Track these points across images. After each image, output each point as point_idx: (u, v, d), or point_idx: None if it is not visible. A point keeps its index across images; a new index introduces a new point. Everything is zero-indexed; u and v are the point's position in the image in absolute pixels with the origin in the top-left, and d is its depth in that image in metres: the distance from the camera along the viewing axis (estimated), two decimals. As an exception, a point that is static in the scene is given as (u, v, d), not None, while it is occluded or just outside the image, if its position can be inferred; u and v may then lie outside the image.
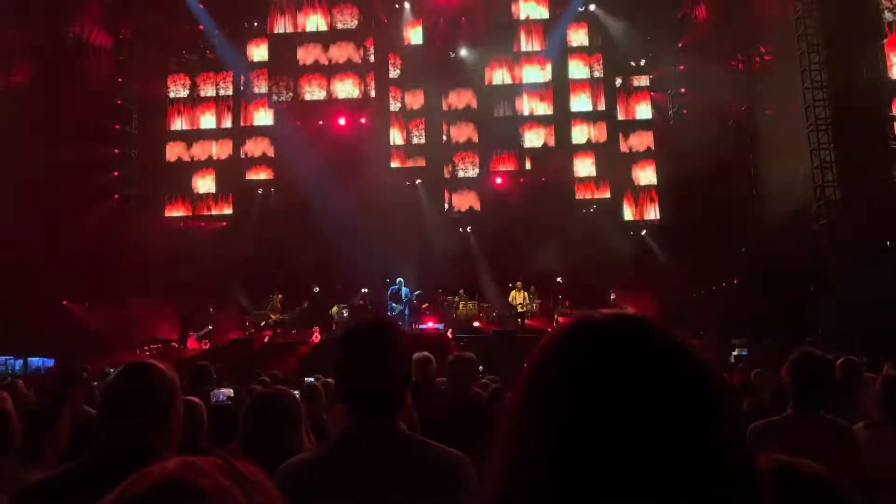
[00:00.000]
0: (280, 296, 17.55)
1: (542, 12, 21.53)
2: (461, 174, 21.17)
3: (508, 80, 21.38)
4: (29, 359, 15.54)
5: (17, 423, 2.53)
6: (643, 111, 21.29)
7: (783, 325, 14.43)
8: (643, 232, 20.36)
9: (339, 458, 1.75)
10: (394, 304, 16.83)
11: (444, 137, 21.27)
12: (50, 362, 14.98)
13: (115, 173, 20.44)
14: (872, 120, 15.47)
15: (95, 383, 6.58)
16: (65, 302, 17.48)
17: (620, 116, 21.28)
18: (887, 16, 16.28)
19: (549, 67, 21.31)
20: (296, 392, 3.18)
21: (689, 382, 0.69)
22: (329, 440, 1.82)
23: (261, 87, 21.59)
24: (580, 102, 21.24)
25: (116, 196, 20.24)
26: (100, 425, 1.85)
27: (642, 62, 21.02)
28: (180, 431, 1.90)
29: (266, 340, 16.45)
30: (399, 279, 17.14)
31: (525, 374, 0.74)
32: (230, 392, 4.15)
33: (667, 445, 0.64)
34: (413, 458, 1.74)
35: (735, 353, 14.10)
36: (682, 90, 20.80)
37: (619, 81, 21.31)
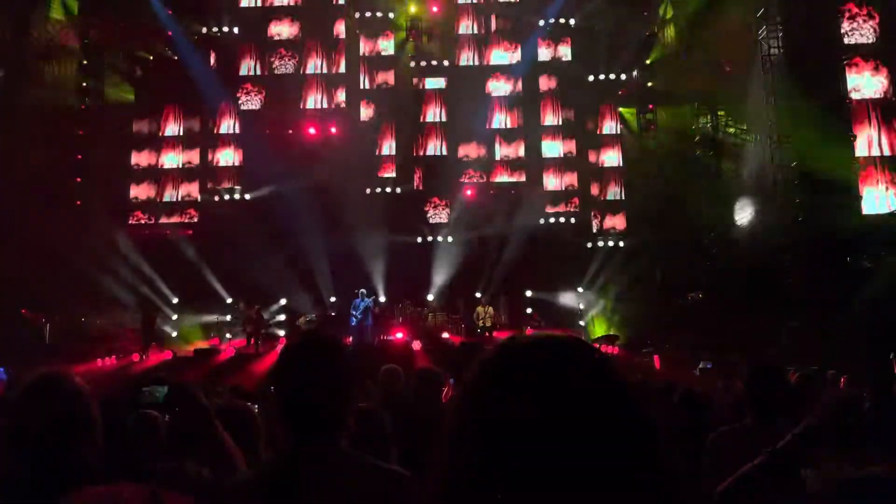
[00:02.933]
0: (256, 307, 17.33)
1: (514, 26, 21.72)
2: (431, 185, 21.16)
3: (479, 93, 21.47)
4: (-16, 369, 15.06)
5: None
6: (612, 126, 21.54)
7: (747, 338, 14.66)
8: (610, 244, 20.54)
9: (279, 477, 1.71)
10: (354, 314, 16.70)
11: (415, 149, 21.27)
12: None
13: (78, 179, 20.04)
14: (834, 136, 15.87)
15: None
16: (23, 311, 17.03)
17: (589, 130, 21.51)
18: (849, 38, 16.80)
19: (519, 81, 21.48)
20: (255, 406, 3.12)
21: (606, 398, 0.74)
22: (269, 459, 1.78)
23: (229, 94, 21.37)
24: (550, 117, 21.42)
25: (78, 203, 19.82)
26: (10, 453, 1.76)
27: (611, 77, 21.26)
28: (97, 443, 1.82)
29: (233, 352, 16.21)
30: (361, 290, 17.02)
31: (461, 387, 0.81)
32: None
33: (581, 454, 0.69)
34: (354, 478, 1.71)
35: (700, 365, 14.28)
36: (650, 106, 21.12)
37: (588, 97, 21.52)
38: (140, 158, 21.16)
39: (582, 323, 19.47)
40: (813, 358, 12.14)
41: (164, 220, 20.86)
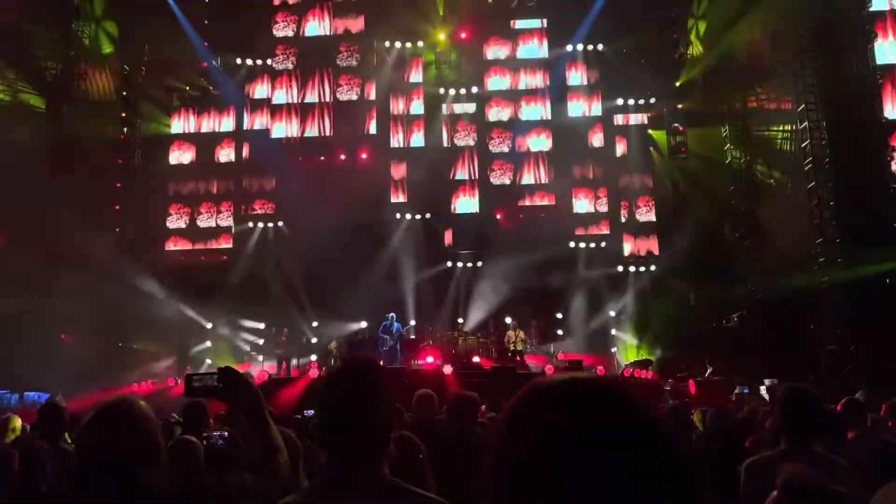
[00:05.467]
0: (286, 329, 17.51)
1: (542, 51, 21.89)
2: (461, 209, 21.26)
3: (508, 117, 21.62)
4: (25, 392, 15.40)
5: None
6: (642, 149, 21.45)
7: (785, 362, 14.37)
8: (642, 268, 20.37)
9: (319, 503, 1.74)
10: (385, 339, 16.78)
11: (444, 173, 21.42)
12: (46, 396, 14.84)
13: (117, 207, 20.54)
14: (871, 159, 15.59)
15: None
16: (63, 335, 17.39)
17: (619, 153, 21.46)
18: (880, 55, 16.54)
19: (548, 105, 21.57)
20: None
21: (637, 436, 0.77)
22: (311, 485, 1.80)
23: (263, 122, 21.84)
24: (579, 139, 21.42)
25: (118, 229, 20.30)
26: (82, 475, 1.81)
27: (640, 101, 21.28)
28: (160, 461, 1.88)
29: (266, 377, 16.33)
30: (391, 314, 17.10)
31: (496, 429, 0.85)
32: (224, 434, 4.12)
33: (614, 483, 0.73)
34: None
35: (736, 390, 14.01)
36: (680, 128, 21.01)
37: (617, 119, 21.54)
38: (176, 186, 21.64)
39: (614, 348, 19.25)
40: (853, 382, 11.85)
41: (199, 245, 21.26)
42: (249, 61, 21.88)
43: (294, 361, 17.54)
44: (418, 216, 20.88)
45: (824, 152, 16.01)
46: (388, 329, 16.91)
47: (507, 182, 21.25)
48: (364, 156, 21.22)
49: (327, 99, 21.74)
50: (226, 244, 21.26)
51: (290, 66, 21.96)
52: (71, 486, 1.89)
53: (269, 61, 21.92)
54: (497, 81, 21.83)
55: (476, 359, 17.30)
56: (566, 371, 15.73)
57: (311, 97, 21.80)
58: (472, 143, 21.56)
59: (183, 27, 20.53)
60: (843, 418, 4.78)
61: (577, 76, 21.85)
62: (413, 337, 18.23)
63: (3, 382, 15.18)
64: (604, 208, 21.10)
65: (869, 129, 15.72)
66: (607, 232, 20.91)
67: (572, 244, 20.46)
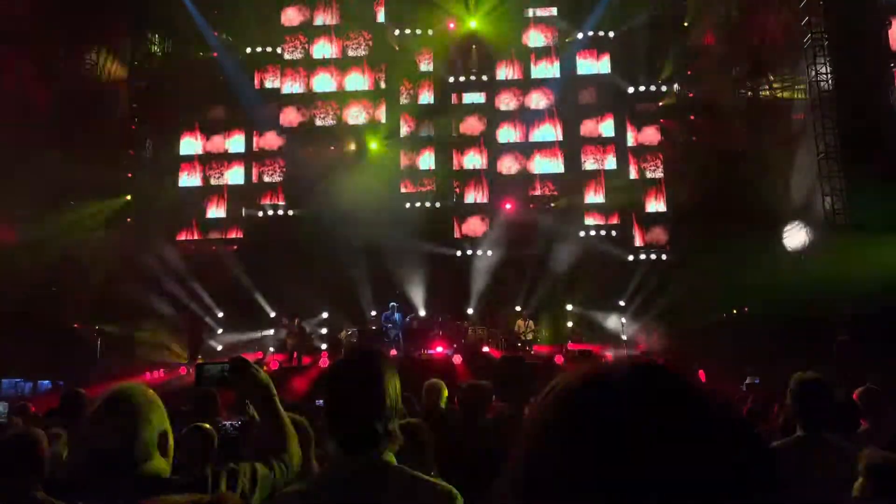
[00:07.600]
0: (297, 319, 17.56)
1: (553, 39, 21.76)
2: (470, 199, 21.24)
3: (517, 107, 21.54)
4: (39, 381, 15.56)
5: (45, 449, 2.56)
6: (652, 138, 21.31)
7: (796, 353, 14.28)
8: (652, 257, 20.30)
9: (326, 491, 1.75)
10: (388, 328, 16.81)
11: (454, 164, 21.39)
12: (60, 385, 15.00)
13: (128, 197, 20.64)
14: (884, 150, 15.43)
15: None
16: (76, 325, 17.55)
17: (630, 143, 21.33)
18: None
19: (558, 93, 21.45)
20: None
21: (703, 429, 0.67)
22: (318, 473, 1.83)
23: (272, 112, 21.84)
24: (589, 129, 21.31)
25: (129, 220, 20.41)
26: (89, 463, 1.84)
27: (652, 88, 21.12)
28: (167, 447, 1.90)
29: (276, 366, 16.42)
30: (392, 304, 17.11)
31: (536, 423, 0.73)
32: (236, 423, 4.16)
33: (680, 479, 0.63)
34: (402, 492, 1.74)
35: (747, 381, 13.96)
36: (692, 117, 20.85)
37: (628, 108, 21.40)
38: (187, 176, 21.71)
39: (624, 337, 19.21)
40: (865, 372, 11.77)
41: (210, 236, 21.35)
42: (259, 49, 21.89)
43: (304, 351, 17.57)
44: (427, 205, 20.87)
45: (836, 141, 15.86)
46: (391, 318, 16.93)
47: (517, 172, 21.20)
48: (374, 145, 21.21)
49: (337, 88, 21.75)
50: (236, 235, 21.35)
51: (300, 56, 21.97)
52: (79, 473, 1.92)
53: (278, 51, 21.92)
54: (507, 70, 21.74)
55: (485, 348, 17.31)
56: (582, 361, 15.73)
57: (321, 87, 21.80)
58: (481, 132, 21.50)
59: (193, 17, 20.53)
60: (860, 407, 4.77)
61: (587, 64, 21.70)
62: (416, 326, 18.24)
63: (18, 372, 15.35)
64: (614, 198, 20.98)
65: (883, 118, 15.56)
66: (617, 221, 20.84)
67: (582, 234, 20.40)
